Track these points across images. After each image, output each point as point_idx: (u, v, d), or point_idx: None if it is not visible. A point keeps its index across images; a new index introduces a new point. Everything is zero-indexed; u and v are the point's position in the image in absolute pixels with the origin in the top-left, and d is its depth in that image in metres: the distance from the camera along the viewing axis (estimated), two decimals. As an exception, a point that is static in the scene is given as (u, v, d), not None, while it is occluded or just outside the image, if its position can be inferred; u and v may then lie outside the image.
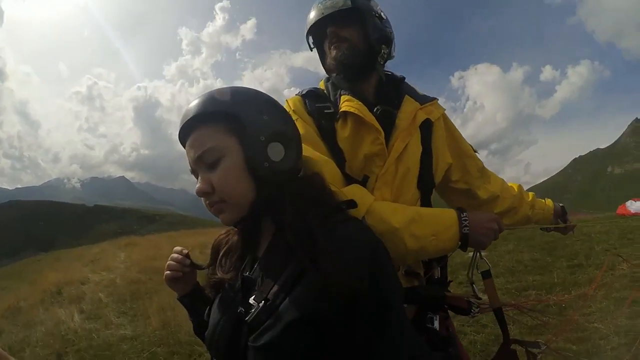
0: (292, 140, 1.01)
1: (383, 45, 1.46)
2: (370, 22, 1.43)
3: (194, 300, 1.26)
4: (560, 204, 1.87)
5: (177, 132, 1.03)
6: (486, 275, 1.39)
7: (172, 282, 1.25)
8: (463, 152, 1.63)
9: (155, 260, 11.38)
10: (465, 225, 1.27)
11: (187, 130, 1.00)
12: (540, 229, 1.88)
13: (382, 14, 1.47)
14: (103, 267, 12.09)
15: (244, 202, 0.97)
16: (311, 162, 1.20)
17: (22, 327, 6.84)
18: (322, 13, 1.41)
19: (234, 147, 0.96)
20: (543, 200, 1.84)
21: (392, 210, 1.26)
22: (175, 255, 1.24)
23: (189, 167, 1.02)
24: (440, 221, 1.28)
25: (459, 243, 1.28)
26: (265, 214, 1.01)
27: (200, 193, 0.98)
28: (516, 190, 1.76)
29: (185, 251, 1.25)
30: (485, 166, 1.71)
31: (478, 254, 1.40)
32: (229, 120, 0.96)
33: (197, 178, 0.99)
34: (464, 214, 1.29)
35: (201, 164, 0.98)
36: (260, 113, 0.97)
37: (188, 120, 0.98)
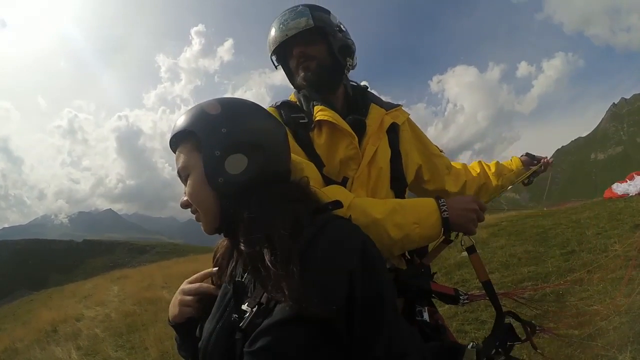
0: (260, 148, 1.00)
1: (348, 58, 1.52)
2: (333, 37, 1.47)
3: (190, 323, 1.17)
4: (524, 153, 1.95)
5: None
6: (471, 250, 1.41)
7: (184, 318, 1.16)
8: (431, 152, 1.71)
9: (149, 291, 11.26)
10: (445, 209, 1.31)
11: (173, 148, 1.09)
12: (523, 183, 1.91)
13: (341, 26, 1.52)
14: (97, 302, 11.92)
15: (211, 213, 1.01)
16: (293, 165, 1.21)
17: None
18: (286, 35, 1.44)
19: (198, 163, 1.00)
20: (509, 161, 1.92)
21: (373, 203, 1.31)
22: (207, 292, 1.15)
23: None
24: (421, 209, 1.33)
25: (442, 229, 1.32)
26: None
27: (182, 205, 1.06)
28: (478, 168, 1.84)
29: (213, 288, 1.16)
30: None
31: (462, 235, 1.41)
32: (193, 138, 1.01)
33: None
34: (442, 200, 1.34)
35: (181, 180, 1.06)
36: (218, 127, 0.99)
37: (169, 142, 1.08)
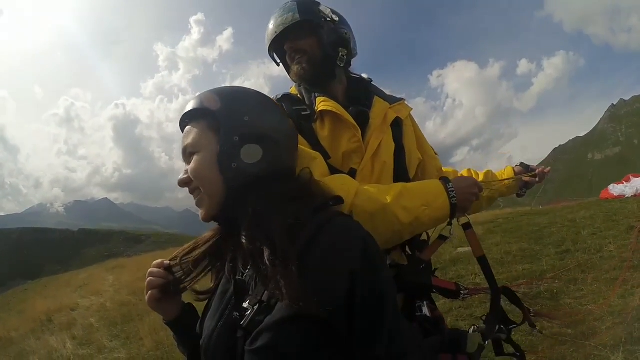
0: (275, 142, 1.02)
1: (340, 48, 1.50)
2: (322, 28, 1.47)
3: (185, 321, 1.17)
4: (519, 163, 1.89)
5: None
6: (467, 226, 1.40)
7: (157, 303, 1.14)
8: (425, 152, 1.69)
9: (144, 281, 11.23)
10: (453, 195, 1.31)
11: (182, 125, 1.09)
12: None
13: (334, 17, 1.50)
14: (92, 291, 11.93)
15: (216, 193, 1.00)
16: (301, 157, 1.21)
17: (14, 358, 6.79)
18: (276, 31, 1.46)
19: (211, 143, 1.00)
20: (501, 171, 1.87)
21: (380, 189, 1.29)
22: (155, 270, 1.14)
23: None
24: (428, 191, 1.32)
25: (450, 211, 1.31)
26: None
27: (180, 183, 1.05)
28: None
29: (167, 263, 1.14)
30: (468, 162, 1.74)
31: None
32: (210, 118, 1.01)
33: None
34: (450, 184, 1.33)
35: (185, 156, 1.05)
36: (242, 114, 1.01)
37: (182, 117, 1.08)
